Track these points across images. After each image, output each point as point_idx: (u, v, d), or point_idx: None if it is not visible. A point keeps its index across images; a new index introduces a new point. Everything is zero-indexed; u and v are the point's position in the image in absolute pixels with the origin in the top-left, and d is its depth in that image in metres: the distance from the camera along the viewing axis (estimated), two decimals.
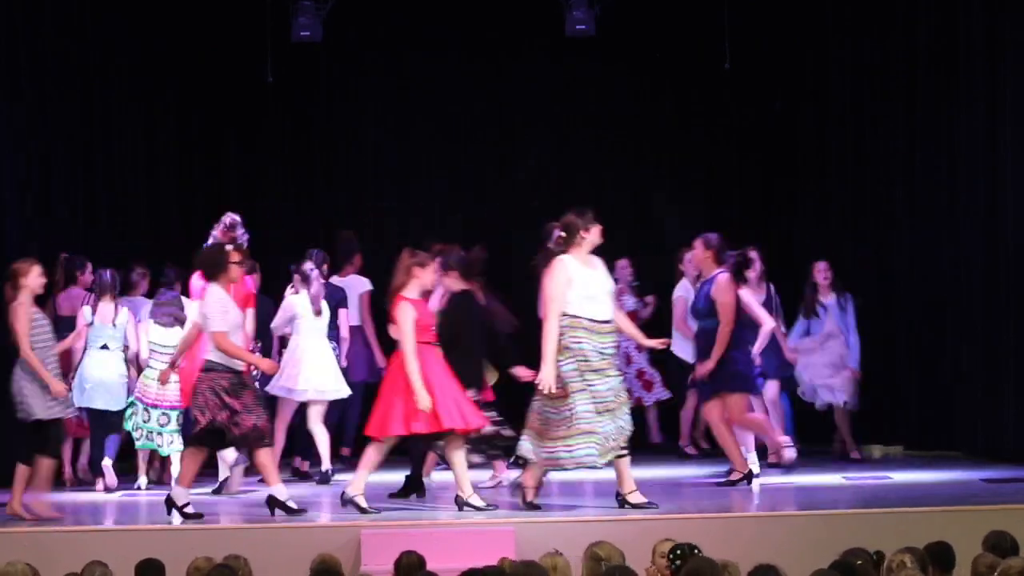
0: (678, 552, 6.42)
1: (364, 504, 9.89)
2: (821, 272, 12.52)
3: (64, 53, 12.94)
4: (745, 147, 14.80)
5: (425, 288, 10.20)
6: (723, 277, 10.93)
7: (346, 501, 9.97)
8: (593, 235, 9.88)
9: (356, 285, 12.81)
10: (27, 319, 9.98)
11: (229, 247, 10.43)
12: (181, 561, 6.82)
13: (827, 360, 12.40)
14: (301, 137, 14.98)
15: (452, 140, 14.94)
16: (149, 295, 12.11)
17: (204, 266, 10.30)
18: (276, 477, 10.03)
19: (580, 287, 9.77)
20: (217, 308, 9.94)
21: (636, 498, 9.80)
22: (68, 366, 11.53)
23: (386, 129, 14.93)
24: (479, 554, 7.20)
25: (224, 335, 9.87)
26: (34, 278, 10.08)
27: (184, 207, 14.22)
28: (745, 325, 11.04)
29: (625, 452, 9.77)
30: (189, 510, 9.86)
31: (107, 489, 11.43)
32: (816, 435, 12.96)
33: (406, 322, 9.89)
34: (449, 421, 9.82)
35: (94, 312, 11.70)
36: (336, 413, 12.33)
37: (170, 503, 9.90)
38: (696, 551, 6.44)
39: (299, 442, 12.17)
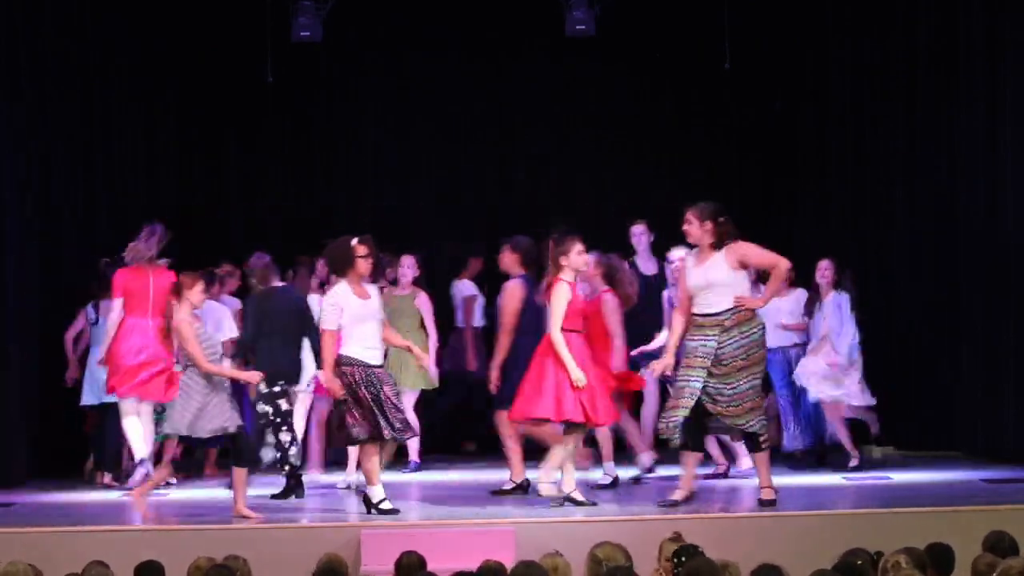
0: (682, 558, 6.41)
1: (581, 497, 10.06)
2: (820, 271, 12.40)
3: (64, 53, 12.94)
4: (745, 147, 14.81)
5: (578, 271, 10.25)
6: (513, 283, 10.94)
7: (563, 500, 10.06)
8: (688, 228, 10.00)
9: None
10: (194, 334, 9.96)
11: (354, 241, 10.27)
12: (181, 561, 6.80)
13: (820, 366, 12.23)
14: (301, 137, 14.98)
15: (452, 140, 14.94)
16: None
17: (331, 262, 10.35)
18: (374, 477, 10.00)
19: (688, 283, 9.98)
20: (330, 304, 10.04)
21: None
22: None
23: (386, 129, 14.94)
24: (479, 554, 7.17)
25: (329, 334, 9.98)
26: (197, 293, 10.08)
27: (184, 207, 14.22)
28: (525, 333, 10.80)
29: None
30: (385, 506, 9.93)
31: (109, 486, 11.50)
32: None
33: (559, 301, 9.99)
34: (570, 413, 9.97)
35: (97, 310, 11.83)
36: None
37: (367, 502, 9.98)
38: (700, 552, 6.44)
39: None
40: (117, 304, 11.27)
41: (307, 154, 15.01)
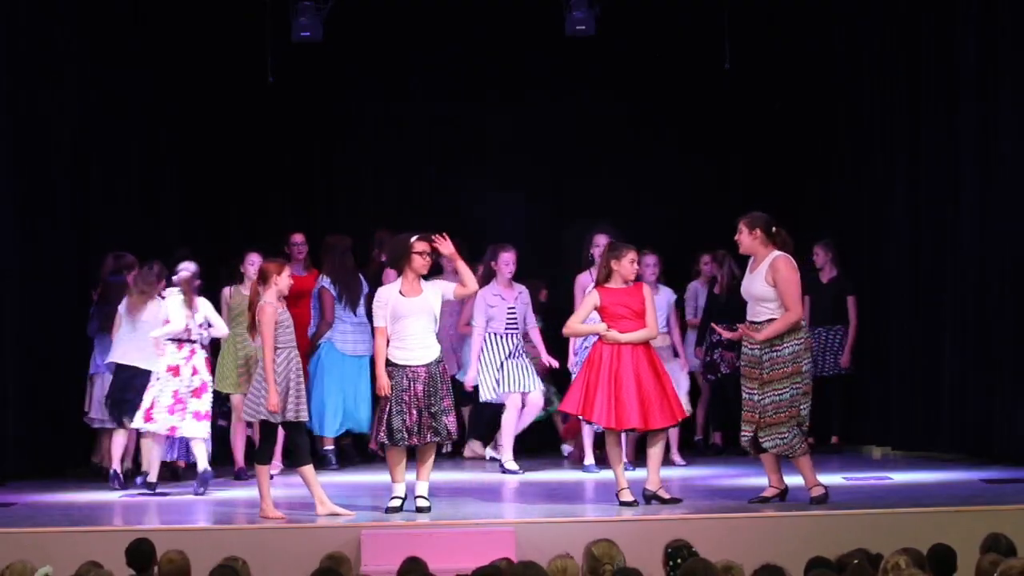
0: (677, 560, 6.41)
1: (666, 496, 10.15)
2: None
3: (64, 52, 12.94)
4: (745, 147, 14.80)
5: (626, 279, 10.26)
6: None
7: (648, 497, 10.13)
8: (738, 237, 10.10)
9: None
10: (273, 320, 9.87)
11: (414, 238, 10.23)
12: None
13: None
14: (301, 137, 14.98)
15: (452, 140, 14.93)
16: None
17: (389, 258, 10.48)
18: (425, 473, 10.13)
19: (742, 290, 10.16)
20: (375, 302, 10.17)
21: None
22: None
23: (386, 129, 14.93)
24: (479, 554, 7.19)
25: (379, 330, 10.04)
26: (284, 279, 10.01)
27: (184, 207, 14.21)
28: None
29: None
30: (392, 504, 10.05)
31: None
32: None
33: (582, 306, 10.27)
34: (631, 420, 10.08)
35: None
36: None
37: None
38: (694, 552, 6.44)
39: None
40: None
41: (307, 154, 15.00)
